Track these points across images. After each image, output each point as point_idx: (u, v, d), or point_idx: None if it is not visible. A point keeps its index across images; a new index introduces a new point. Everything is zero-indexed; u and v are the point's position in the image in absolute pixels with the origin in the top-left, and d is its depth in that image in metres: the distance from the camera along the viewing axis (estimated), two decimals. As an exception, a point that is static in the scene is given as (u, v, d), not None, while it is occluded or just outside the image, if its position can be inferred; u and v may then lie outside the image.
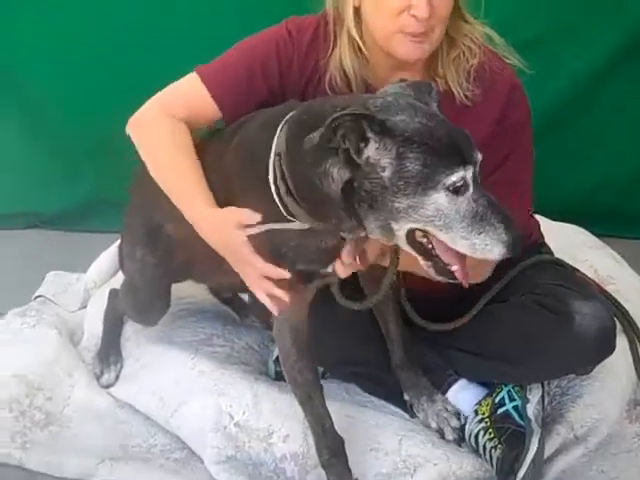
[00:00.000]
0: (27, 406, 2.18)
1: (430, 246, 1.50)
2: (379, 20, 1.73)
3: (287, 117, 1.59)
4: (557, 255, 2.16)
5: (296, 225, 1.59)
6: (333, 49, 1.82)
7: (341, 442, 1.89)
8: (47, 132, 3.32)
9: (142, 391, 2.21)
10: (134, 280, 2.21)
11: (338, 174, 1.45)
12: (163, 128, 1.83)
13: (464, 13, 1.82)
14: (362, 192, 1.45)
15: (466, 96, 1.81)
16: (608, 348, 1.86)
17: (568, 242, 2.55)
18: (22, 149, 3.35)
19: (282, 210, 1.57)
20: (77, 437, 2.16)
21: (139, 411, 2.20)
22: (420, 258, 1.52)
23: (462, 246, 1.45)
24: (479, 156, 1.47)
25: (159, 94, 1.90)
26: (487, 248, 1.44)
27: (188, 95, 1.85)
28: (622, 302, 2.23)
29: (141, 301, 2.22)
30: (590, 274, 2.31)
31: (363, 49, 1.80)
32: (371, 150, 1.42)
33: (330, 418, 1.88)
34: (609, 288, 2.32)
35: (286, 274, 1.63)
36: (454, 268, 1.51)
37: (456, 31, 1.81)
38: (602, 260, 2.56)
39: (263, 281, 1.66)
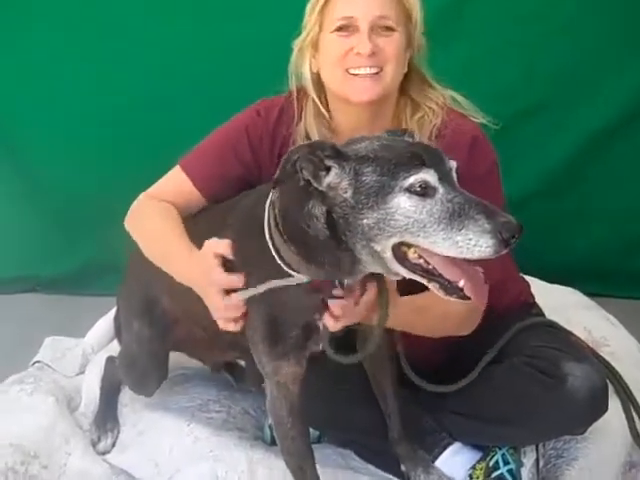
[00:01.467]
0: (22, 474, 2.16)
1: (429, 266, 1.48)
2: (329, 69, 1.86)
3: None
4: (550, 316, 2.18)
5: (295, 280, 1.62)
6: (299, 122, 1.94)
7: None
8: (46, 197, 3.37)
9: (138, 458, 2.21)
10: (131, 351, 2.22)
11: (318, 210, 1.52)
12: (150, 208, 1.99)
13: (427, 79, 1.95)
14: (340, 221, 1.49)
15: None
16: (600, 409, 1.87)
17: (561, 303, 2.57)
18: (21, 213, 3.39)
19: (280, 263, 1.61)
20: (72, 505, 2.15)
21: (135, 478, 2.19)
22: (424, 281, 1.51)
23: (446, 248, 1.42)
24: (451, 163, 1.49)
25: (148, 189, 2.05)
26: (472, 243, 1.39)
27: (174, 187, 2.01)
28: (616, 363, 2.24)
29: (137, 371, 2.23)
30: (584, 336, 2.33)
31: (326, 115, 1.92)
32: (331, 176, 1.49)
33: None
34: (603, 350, 2.34)
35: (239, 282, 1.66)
36: (461, 284, 1.48)
37: (420, 95, 1.92)
38: (596, 321, 2.58)
39: (227, 312, 1.71)
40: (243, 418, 2.34)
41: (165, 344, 2.19)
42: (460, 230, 1.40)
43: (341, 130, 1.94)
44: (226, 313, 1.71)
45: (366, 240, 1.48)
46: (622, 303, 2.99)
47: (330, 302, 1.62)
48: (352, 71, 1.82)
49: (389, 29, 1.83)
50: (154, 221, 1.95)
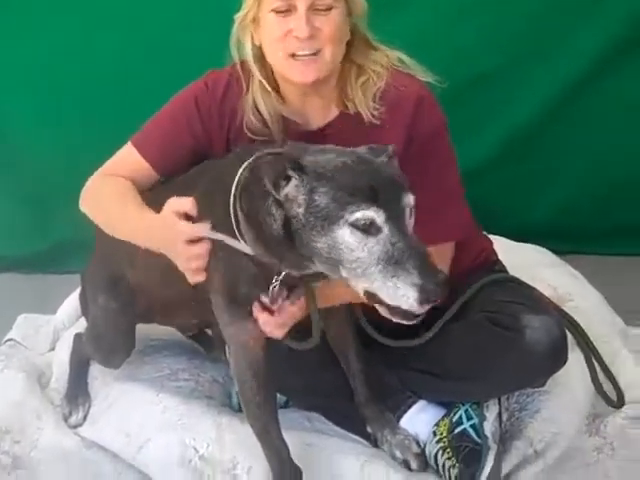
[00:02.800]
0: (-6, 449, 2.19)
1: None
2: (270, 50, 1.85)
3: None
4: (515, 274, 2.18)
5: (247, 248, 1.64)
6: (246, 93, 1.93)
7: (299, 473, 1.90)
8: (17, 176, 3.35)
9: (109, 429, 2.22)
10: (97, 325, 2.23)
11: (277, 212, 1.54)
12: (104, 184, 1.99)
13: (371, 43, 1.93)
14: (296, 233, 1.52)
15: (373, 115, 1.87)
16: (559, 360, 1.90)
17: (527, 261, 2.58)
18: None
19: (237, 233, 1.64)
20: (45, 479, 2.16)
21: (107, 450, 2.20)
22: (373, 304, 1.53)
23: (378, 290, 1.46)
24: (406, 201, 1.49)
25: (101, 168, 2.05)
26: (399, 293, 1.42)
27: (126, 162, 2.00)
28: (580, 317, 2.25)
29: (105, 345, 2.24)
30: (548, 292, 2.33)
31: (267, 86, 1.90)
32: (291, 187, 1.50)
33: (287, 448, 1.89)
34: (568, 305, 2.36)
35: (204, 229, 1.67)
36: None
37: (363, 58, 1.91)
38: (561, 278, 2.60)
39: (191, 262, 1.71)
40: (211, 386, 2.35)
41: (131, 316, 2.20)
42: (392, 278, 1.43)
43: (289, 99, 1.94)
44: (193, 262, 1.71)
45: (325, 259, 1.50)
46: (589, 259, 3.02)
47: (258, 317, 1.70)
48: (292, 52, 1.81)
49: (327, 8, 1.79)
50: (110, 194, 1.95)
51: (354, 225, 1.44)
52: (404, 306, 1.43)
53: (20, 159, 3.32)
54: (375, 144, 1.63)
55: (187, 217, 1.69)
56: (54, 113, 3.19)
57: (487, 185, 2.71)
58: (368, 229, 1.45)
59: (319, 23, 1.79)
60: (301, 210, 1.49)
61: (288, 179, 1.50)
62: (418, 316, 1.49)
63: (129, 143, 2.03)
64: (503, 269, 2.21)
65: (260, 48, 1.89)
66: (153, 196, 1.91)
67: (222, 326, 1.83)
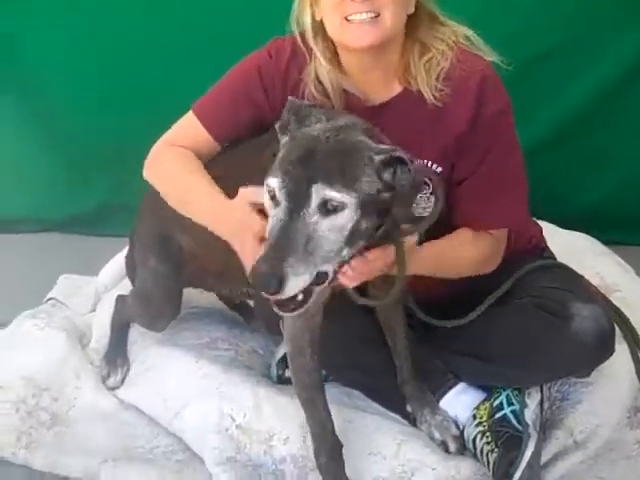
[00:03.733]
0: (33, 406, 2.21)
1: None
2: (328, 17, 1.80)
3: None
4: (562, 261, 2.16)
5: None
6: (308, 64, 1.90)
7: (340, 446, 1.90)
8: (60, 138, 3.35)
9: (146, 393, 2.24)
10: (145, 288, 2.24)
11: None
12: (170, 156, 1.98)
13: (438, 17, 1.87)
14: None
15: (435, 97, 1.82)
16: (606, 350, 1.87)
17: (575, 249, 2.55)
18: (35, 155, 3.38)
19: None
20: (81, 438, 2.19)
21: (143, 413, 2.23)
22: None
23: None
24: (316, 191, 1.45)
25: (163, 136, 2.04)
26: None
27: (188, 132, 1.98)
28: (626, 309, 2.21)
29: (152, 308, 2.25)
30: (596, 281, 2.29)
31: (324, 60, 1.87)
32: (283, 140, 1.62)
33: (332, 421, 1.90)
34: (615, 295, 2.32)
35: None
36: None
37: (428, 35, 1.85)
38: (609, 267, 2.55)
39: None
40: (250, 357, 2.36)
41: (181, 280, 2.21)
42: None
43: (350, 73, 1.89)
44: None
45: None
46: (637, 250, 2.96)
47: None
48: (349, 17, 1.75)
49: None
50: (175, 166, 1.95)
51: (267, 188, 1.50)
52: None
53: (64, 122, 3.32)
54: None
55: (261, 211, 1.65)
56: (101, 77, 3.17)
57: (536, 169, 2.64)
58: (273, 198, 1.48)
59: None
60: None
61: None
62: (291, 308, 1.49)
63: (190, 112, 2.01)
64: (551, 256, 2.19)
65: (320, 22, 1.84)
66: (216, 168, 1.92)
67: None
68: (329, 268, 1.50)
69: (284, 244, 1.42)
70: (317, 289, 1.52)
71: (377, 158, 1.50)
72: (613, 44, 2.91)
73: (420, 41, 1.85)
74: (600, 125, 3.04)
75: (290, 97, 1.68)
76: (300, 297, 1.49)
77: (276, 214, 1.47)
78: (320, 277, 1.49)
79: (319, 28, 1.85)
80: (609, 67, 2.95)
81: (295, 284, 1.42)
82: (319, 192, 1.44)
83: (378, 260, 1.64)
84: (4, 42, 3.17)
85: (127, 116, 3.17)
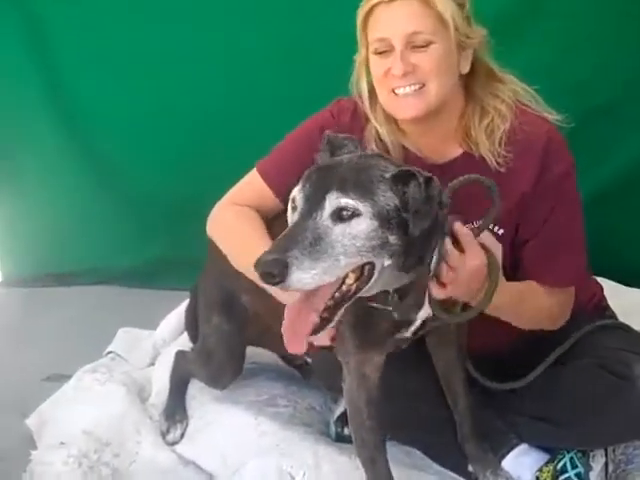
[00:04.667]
0: (95, 461, 2.23)
1: None
2: (377, 88, 1.86)
3: None
4: (623, 319, 2.14)
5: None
6: (368, 122, 1.94)
7: None
8: (123, 191, 3.45)
9: (206, 449, 2.26)
10: (208, 345, 2.26)
11: None
12: (231, 214, 2.03)
13: (495, 73, 1.89)
14: None
15: (498, 163, 1.84)
16: None
17: (636, 307, 2.51)
18: (97, 206, 3.47)
19: None
20: (142, 493, 2.21)
21: (202, 469, 2.24)
22: None
23: None
24: (330, 198, 1.47)
25: (226, 194, 2.08)
26: None
27: (251, 190, 2.03)
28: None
29: (214, 366, 2.27)
30: (657, 340, 2.27)
31: (377, 123, 1.91)
32: None
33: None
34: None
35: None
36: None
37: (486, 94, 1.87)
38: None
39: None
40: (309, 414, 2.36)
41: (244, 339, 2.24)
42: None
43: (407, 132, 1.93)
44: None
45: None
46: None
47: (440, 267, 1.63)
48: (395, 90, 1.80)
49: (425, 44, 1.77)
50: (235, 227, 1.99)
51: (291, 201, 1.54)
52: None
53: (125, 176, 3.42)
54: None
55: None
56: (164, 131, 3.26)
57: (599, 223, 2.63)
58: (294, 207, 1.51)
59: (416, 59, 1.77)
60: None
61: None
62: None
63: (254, 170, 2.06)
64: (613, 315, 2.16)
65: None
66: (276, 228, 1.93)
67: (343, 354, 1.82)
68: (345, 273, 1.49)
69: (291, 238, 1.44)
70: (342, 310, 1.53)
71: (388, 174, 1.51)
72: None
73: (479, 104, 1.87)
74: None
75: (327, 131, 1.69)
76: (325, 315, 1.51)
77: (293, 217, 1.50)
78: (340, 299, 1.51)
79: (375, 93, 1.90)
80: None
81: (300, 277, 1.40)
82: (332, 200, 1.46)
83: (473, 259, 1.63)
84: (72, 98, 3.29)
85: (189, 171, 3.25)
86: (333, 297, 1.51)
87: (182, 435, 2.36)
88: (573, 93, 2.72)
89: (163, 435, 2.36)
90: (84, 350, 2.82)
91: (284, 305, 1.78)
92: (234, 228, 2.00)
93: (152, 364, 2.76)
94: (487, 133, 1.85)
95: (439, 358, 1.99)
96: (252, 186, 2.04)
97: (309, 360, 2.48)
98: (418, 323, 1.75)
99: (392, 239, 1.49)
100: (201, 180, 3.12)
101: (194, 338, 2.46)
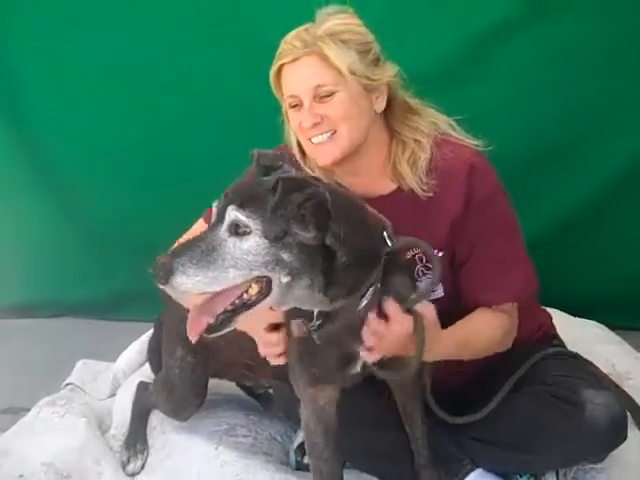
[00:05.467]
0: (55, 493, 2.23)
1: None
2: (299, 139, 1.99)
3: None
4: (573, 349, 2.21)
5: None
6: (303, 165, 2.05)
7: None
8: (84, 222, 3.46)
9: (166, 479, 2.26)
10: (171, 377, 2.28)
11: None
12: None
13: (412, 107, 2.00)
14: None
15: (424, 190, 1.94)
16: (619, 436, 1.91)
17: (584, 336, 2.60)
18: (58, 238, 3.48)
19: None
20: (104, 525, 2.21)
21: (163, 500, 2.25)
22: None
23: None
24: (229, 212, 1.52)
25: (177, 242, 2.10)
26: None
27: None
28: (639, 397, 2.25)
29: (177, 398, 2.30)
30: (607, 369, 2.33)
31: (310, 172, 2.01)
32: None
33: None
34: (627, 384, 2.35)
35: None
36: None
37: (404, 127, 1.98)
38: (619, 355, 2.60)
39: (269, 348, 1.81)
40: (270, 443, 2.39)
41: (208, 371, 2.27)
42: None
43: (338, 174, 2.03)
44: (271, 348, 1.80)
45: None
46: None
47: (363, 332, 1.68)
48: (312, 140, 1.93)
49: (328, 95, 1.88)
50: None
51: None
52: None
53: (87, 208, 3.43)
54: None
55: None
56: (126, 164, 3.29)
57: (546, 257, 2.72)
58: None
59: (322, 110, 1.89)
60: None
61: None
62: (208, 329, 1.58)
63: (201, 219, 2.13)
64: (562, 344, 2.24)
65: None
66: None
67: (298, 389, 1.87)
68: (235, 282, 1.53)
69: (186, 246, 1.51)
70: (240, 317, 1.58)
71: (295, 198, 1.53)
72: (621, 141, 3.00)
73: (399, 138, 1.98)
74: (610, 215, 3.12)
75: (256, 149, 1.72)
76: (217, 321, 1.57)
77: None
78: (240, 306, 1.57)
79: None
80: (619, 162, 3.03)
81: (182, 281, 1.47)
82: (230, 214, 1.53)
83: (397, 325, 1.68)
84: (33, 127, 3.30)
85: (153, 203, 3.27)
86: (234, 303, 1.57)
87: (143, 465, 2.37)
88: (526, 136, 2.83)
89: (124, 465, 2.37)
90: (42, 382, 2.82)
91: (245, 336, 1.84)
92: None
93: (112, 395, 2.76)
94: (410, 164, 1.96)
95: (396, 388, 2.04)
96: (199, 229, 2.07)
97: (270, 391, 2.52)
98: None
99: (285, 256, 1.53)
100: (164, 213, 3.16)
101: (156, 369, 2.48)
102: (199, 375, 2.25)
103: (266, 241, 1.51)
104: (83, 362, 2.95)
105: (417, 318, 1.69)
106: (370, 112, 1.95)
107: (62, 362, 2.95)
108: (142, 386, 2.50)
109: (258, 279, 1.54)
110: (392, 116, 2.00)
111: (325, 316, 1.69)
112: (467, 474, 2.05)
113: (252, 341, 1.85)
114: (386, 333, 1.68)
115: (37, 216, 3.47)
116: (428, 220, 1.95)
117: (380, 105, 1.96)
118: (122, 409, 2.57)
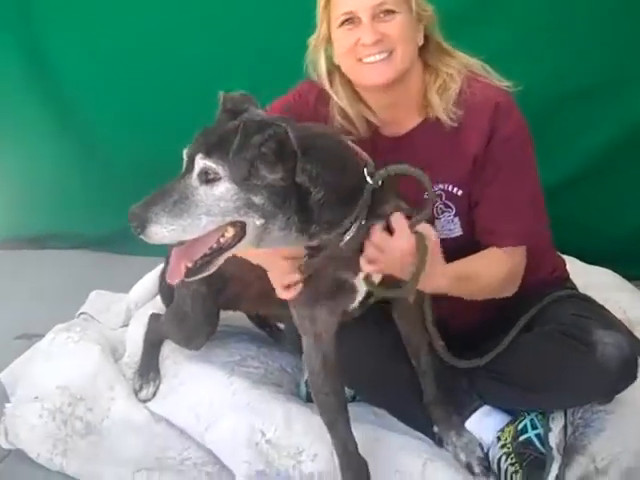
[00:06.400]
0: (69, 415, 2.29)
1: None
2: (343, 60, 1.95)
3: None
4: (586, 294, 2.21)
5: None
6: (331, 100, 2.02)
7: (364, 465, 1.96)
8: (99, 157, 3.47)
9: (179, 407, 2.31)
10: (184, 307, 2.32)
11: None
12: None
13: (445, 49, 2.00)
14: None
15: (451, 118, 1.94)
16: (629, 377, 1.91)
17: (598, 283, 2.59)
18: (73, 172, 3.50)
19: None
20: (115, 447, 2.26)
21: (174, 425, 2.30)
22: None
23: None
24: (196, 159, 1.54)
25: None
26: None
27: None
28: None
29: (188, 327, 2.33)
30: (619, 315, 2.31)
31: (338, 99, 1.99)
32: None
33: (354, 441, 1.95)
34: (638, 329, 2.37)
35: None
36: None
37: (437, 61, 1.98)
38: (631, 302, 2.60)
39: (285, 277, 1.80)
40: (280, 375, 2.43)
41: (219, 301, 2.30)
42: None
43: (374, 107, 2.01)
44: (287, 278, 1.79)
45: None
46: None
47: (365, 244, 1.71)
48: (364, 59, 1.89)
49: (390, 12, 1.87)
50: None
51: None
52: None
53: (102, 142, 3.44)
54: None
55: None
56: (139, 99, 3.28)
57: (562, 204, 2.70)
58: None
59: (383, 28, 1.87)
60: None
61: None
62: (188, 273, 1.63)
63: None
64: (574, 287, 2.24)
65: (337, 64, 1.97)
66: None
67: (297, 317, 1.89)
68: (208, 228, 1.55)
69: (159, 196, 1.54)
70: (219, 260, 1.63)
71: (255, 140, 1.53)
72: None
73: (432, 70, 1.97)
74: (627, 161, 3.07)
75: (222, 92, 1.72)
76: (196, 265, 1.61)
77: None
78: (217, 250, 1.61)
79: (335, 69, 1.98)
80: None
81: (157, 230, 1.51)
82: (199, 162, 1.54)
83: (400, 241, 1.70)
84: (51, 66, 3.30)
85: (165, 137, 3.24)
86: (211, 248, 1.60)
87: (154, 393, 2.42)
88: (543, 81, 2.80)
89: (136, 392, 2.41)
90: (56, 311, 2.85)
91: (259, 270, 1.85)
92: None
93: (124, 326, 2.79)
94: (439, 92, 1.95)
95: (402, 324, 2.06)
96: None
97: (281, 325, 2.55)
98: (363, 293, 1.83)
99: (257, 200, 1.54)
100: (177, 146, 3.15)
101: (168, 301, 2.51)
102: (211, 305, 2.28)
103: (235, 186, 1.53)
104: (96, 292, 2.99)
105: (420, 238, 1.71)
106: (417, 42, 1.95)
107: (76, 293, 2.98)
108: (154, 317, 2.54)
109: (233, 223, 1.57)
110: (427, 53, 1.99)
111: (311, 249, 1.73)
112: (475, 410, 2.08)
113: (262, 274, 1.86)
114: (388, 248, 1.70)
115: (54, 150, 3.48)
116: (452, 154, 1.95)
117: (420, 38, 1.96)
118: (135, 339, 2.60)
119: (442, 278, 1.81)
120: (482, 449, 2.05)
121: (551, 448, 1.94)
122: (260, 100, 2.07)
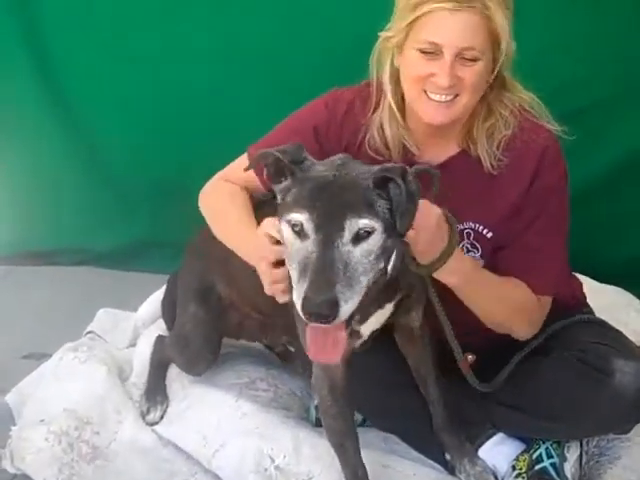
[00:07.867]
0: (75, 439, 2.25)
1: None
2: (408, 83, 1.86)
3: None
4: (600, 316, 2.18)
5: None
6: (374, 112, 1.95)
7: None
8: (106, 173, 3.42)
9: (186, 430, 2.27)
10: (185, 332, 2.30)
11: None
12: (219, 189, 2.08)
13: (508, 82, 1.91)
14: None
15: (492, 165, 1.89)
16: None
17: (610, 304, 2.56)
18: (80, 187, 3.45)
19: None
20: (121, 472, 2.22)
21: (181, 450, 2.25)
22: None
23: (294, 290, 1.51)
24: (349, 223, 1.48)
25: (220, 172, 2.13)
26: (295, 298, 1.48)
27: (240, 172, 1.92)
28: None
29: (189, 353, 2.32)
30: (633, 338, 2.29)
31: (397, 115, 1.92)
32: (283, 184, 1.60)
33: (363, 467, 1.92)
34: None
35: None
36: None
37: (495, 99, 1.90)
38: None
39: (272, 284, 1.77)
40: (289, 398, 2.40)
41: (219, 328, 2.28)
42: (296, 282, 1.49)
43: (414, 130, 1.95)
44: (274, 285, 1.76)
45: None
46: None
47: None
48: (429, 93, 1.81)
49: (473, 59, 1.77)
50: (222, 201, 2.04)
51: (289, 223, 1.53)
52: (297, 307, 1.46)
53: (109, 157, 3.39)
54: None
55: (278, 241, 1.69)
56: (148, 112, 3.23)
57: (575, 221, 2.68)
58: (299, 232, 1.51)
59: (461, 73, 1.78)
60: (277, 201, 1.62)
61: (284, 177, 1.60)
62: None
63: (246, 154, 2.08)
64: (591, 311, 2.20)
65: (397, 71, 1.89)
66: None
67: (304, 344, 1.85)
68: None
69: (328, 273, 1.45)
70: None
71: (370, 184, 1.52)
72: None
73: (487, 105, 1.90)
74: (633, 181, 3.04)
75: (274, 150, 1.62)
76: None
77: (304, 247, 1.49)
78: None
79: (395, 76, 1.90)
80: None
81: (346, 310, 1.45)
82: (352, 224, 1.48)
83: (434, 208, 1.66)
84: (58, 77, 3.25)
85: (173, 153, 3.23)
86: None
87: (162, 416, 2.38)
88: (561, 92, 2.76)
89: (143, 415, 2.38)
90: (63, 330, 2.82)
91: (257, 292, 1.83)
92: (219, 202, 2.06)
93: (131, 345, 2.76)
94: (487, 134, 1.89)
95: (408, 352, 2.04)
96: (240, 169, 2.00)
97: (291, 348, 2.52)
98: (366, 337, 1.83)
99: (389, 242, 1.53)
100: (185, 163, 3.14)
101: (170, 324, 2.50)
102: (211, 331, 2.27)
103: (385, 234, 1.51)
104: (104, 311, 2.95)
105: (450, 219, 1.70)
106: (484, 88, 1.87)
107: (83, 311, 2.94)
108: (160, 339, 2.51)
109: None
110: (490, 90, 1.90)
111: None
112: (489, 438, 2.05)
113: (264, 300, 1.84)
114: (427, 211, 1.64)
115: (60, 163, 3.42)
116: (490, 196, 1.91)
117: (491, 78, 1.87)
118: (142, 359, 2.57)
119: (459, 269, 1.75)
120: (496, 478, 2.01)
121: (567, 478, 1.91)
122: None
